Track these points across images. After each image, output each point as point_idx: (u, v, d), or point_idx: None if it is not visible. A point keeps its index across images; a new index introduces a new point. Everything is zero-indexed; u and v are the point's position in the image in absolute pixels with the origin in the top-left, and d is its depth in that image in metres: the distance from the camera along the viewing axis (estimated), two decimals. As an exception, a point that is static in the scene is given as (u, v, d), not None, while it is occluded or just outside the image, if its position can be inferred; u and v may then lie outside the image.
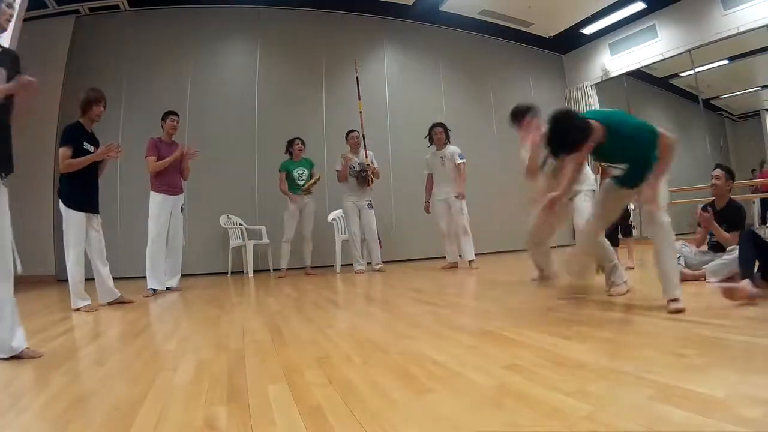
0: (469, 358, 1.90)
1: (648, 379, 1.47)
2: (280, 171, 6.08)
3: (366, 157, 6.06)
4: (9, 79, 2.55)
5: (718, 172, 3.94)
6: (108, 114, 5.83)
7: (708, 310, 2.60)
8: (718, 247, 3.85)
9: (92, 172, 3.88)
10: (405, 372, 1.73)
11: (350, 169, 6.01)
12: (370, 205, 6.12)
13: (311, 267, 6.12)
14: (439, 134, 5.93)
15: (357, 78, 6.34)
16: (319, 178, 6.09)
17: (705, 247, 4.11)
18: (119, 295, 3.98)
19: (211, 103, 7.07)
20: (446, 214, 5.96)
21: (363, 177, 5.99)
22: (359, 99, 6.31)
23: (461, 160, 5.88)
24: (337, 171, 6.13)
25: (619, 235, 5.10)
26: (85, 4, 6.63)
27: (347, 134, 6.18)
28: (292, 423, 1.30)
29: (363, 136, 6.13)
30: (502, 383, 1.54)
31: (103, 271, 3.90)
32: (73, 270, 3.69)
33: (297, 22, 7.64)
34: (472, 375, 1.65)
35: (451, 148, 5.93)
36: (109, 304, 3.93)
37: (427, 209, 6.15)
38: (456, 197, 5.82)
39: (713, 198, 4.07)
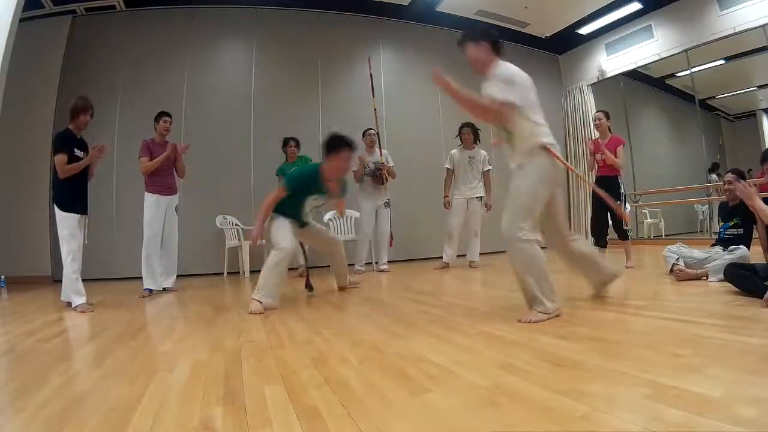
0: (464, 357, 1.90)
1: (644, 378, 1.48)
2: (277, 175, 6.07)
3: (381, 155, 6.03)
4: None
5: (729, 176, 4.05)
6: (104, 114, 5.90)
7: (704, 310, 2.61)
8: (727, 242, 3.90)
9: (83, 176, 3.99)
10: (401, 372, 1.73)
11: (365, 168, 6.00)
12: (387, 204, 6.12)
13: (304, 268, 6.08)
14: (466, 134, 5.94)
15: (371, 75, 6.28)
16: None
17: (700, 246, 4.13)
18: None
19: (208, 103, 7.05)
20: (460, 214, 5.99)
21: (378, 176, 5.98)
22: (373, 96, 6.25)
23: (490, 167, 5.91)
24: (353, 172, 6.05)
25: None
26: (81, 4, 6.60)
27: (363, 133, 6.13)
28: (289, 423, 1.30)
29: (378, 134, 6.09)
30: (497, 383, 1.54)
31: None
32: (70, 267, 3.75)
33: (293, 22, 7.62)
34: (467, 375, 1.65)
35: (483, 152, 5.96)
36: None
37: (447, 204, 6.14)
38: (482, 202, 5.87)
39: (726, 199, 4.22)
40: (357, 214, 6.36)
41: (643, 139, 9.60)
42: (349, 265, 6.46)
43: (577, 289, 3.91)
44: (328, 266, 6.57)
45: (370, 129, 6.12)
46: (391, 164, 6.13)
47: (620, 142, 5.08)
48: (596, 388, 1.44)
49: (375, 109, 6.19)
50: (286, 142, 6.09)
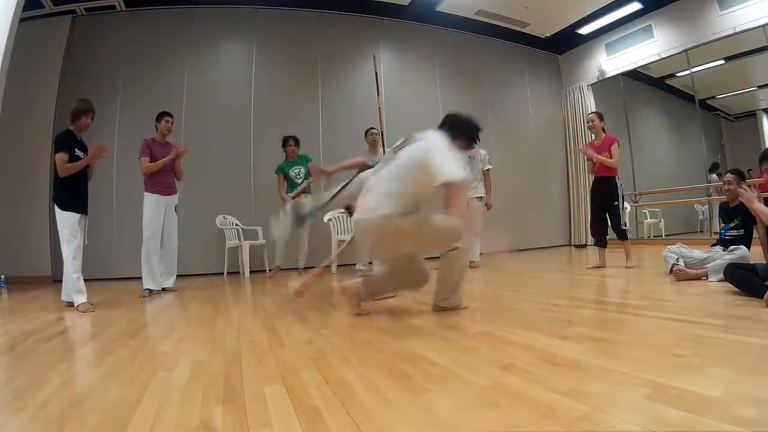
0: (464, 358, 1.90)
1: (644, 378, 1.48)
2: (276, 174, 6.07)
3: (384, 155, 6.00)
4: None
5: (729, 176, 4.04)
6: (104, 114, 5.90)
7: (704, 310, 2.61)
8: (728, 243, 3.91)
9: (83, 176, 4.02)
10: (401, 372, 1.73)
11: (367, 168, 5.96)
12: None
13: (304, 268, 6.09)
14: None
15: (376, 73, 6.28)
16: (306, 186, 5.99)
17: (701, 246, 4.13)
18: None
19: (208, 103, 7.05)
20: (462, 214, 5.94)
21: None
22: (378, 95, 6.23)
23: (490, 166, 5.89)
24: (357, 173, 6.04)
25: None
26: (81, 4, 6.59)
27: (366, 132, 6.12)
28: (289, 424, 1.30)
29: (382, 133, 6.07)
30: (497, 383, 1.54)
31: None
32: (71, 266, 3.77)
33: (293, 21, 7.62)
34: (467, 375, 1.65)
35: (483, 152, 5.90)
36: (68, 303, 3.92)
37: None
38: (483, 203, 5.86)
39: (727, 200, 4.22)
40: None
41: (643, 139, 9.60)
42: (342, 265, 6.49)
43: (578, 290, 3.92)
44: (327, 266, 6.61)
45: (373, 128, 6.09)
46: None
47: (614, 141, 5.07)
48: (596, 388, 1.44)
49: (380, 109, 6.15)
50: (285, 141, 6.09)
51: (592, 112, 5.39)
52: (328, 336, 2.45)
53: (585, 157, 5.43)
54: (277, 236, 6.01)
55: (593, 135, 5.32)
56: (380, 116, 6.10)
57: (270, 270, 6.39)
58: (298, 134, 6.25)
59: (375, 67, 6.31)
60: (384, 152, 5.96)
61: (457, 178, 2.53)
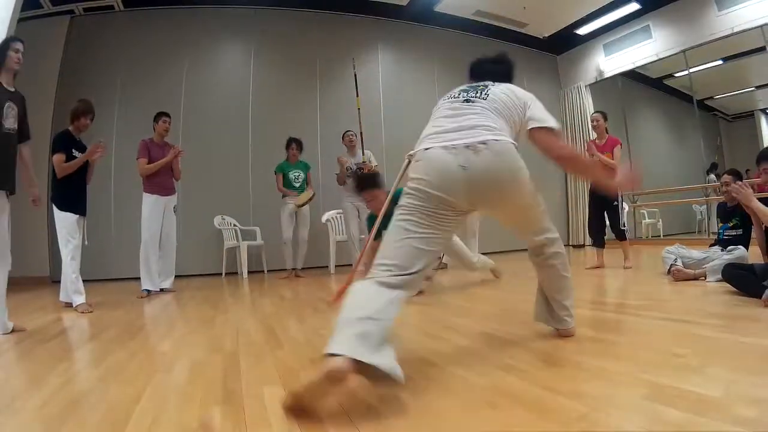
0: (463, 358, 1.89)
1: (643, 378, 1.48)
2: (275, 173, 6.07)
3: (363, 156, 6.01)
4: (21, 117, 3.35)
5: (727, 178, 4.06)
6: (102, 114, 5.88)
7: (702, 310, 2.61)
8: (726, 243, 3.91)
9: (82, 177, 4.00)
10: (401, 372, 1.72)
11: (348, 170, 5.98)
12: None
13: (301, 269, 6.09)
14: None
15: (355, 75, 6.31)
16: (312, 197, 6.03)
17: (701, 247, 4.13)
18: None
19: (206, 103, 7.05)
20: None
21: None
22: (357, 96, 6.25)
23: None
24: (336, 174, 6.10)
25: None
26: (79, 4, 6.59)
27: (343, 135, 6.15)
28: (287, 424, 1.29)
29: (361, 134, 6.08)
30: (496, 383, 1.54)
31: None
32: (70, 267, 3.77)
33: (292, 22, 7.62)
34: (466, 375, 1.65)
35: None
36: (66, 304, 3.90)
37: None
38: None
39: (725, 200, 4.23)
40: None
41: (641, 140, 9.61)
42: (340, 266, 6.49)
43: (576, 290, 3.91)
44: (325, 266, 6.63)
45: (349, 131, 6.11)
46: (374, 164, 6.04)
47: (617, 143, 5.07)
48: (595, 389, 1.44)
49: (359, 109, 6.18)
50: (288, 144, 6.09)
51: (596, 112, 5.37)
52: (327, 336, 2.42)
53: (588, 155, 5.42)
54: (284, 237, 6.00)
55: (595, 134, 5.31)
56: (359, 117, 6.12)
57: (282, 270, 6.33)
58: (297, 134, 6.25)
59: (354, 68, 6.35)
60: (363, 153, 5.97)
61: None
